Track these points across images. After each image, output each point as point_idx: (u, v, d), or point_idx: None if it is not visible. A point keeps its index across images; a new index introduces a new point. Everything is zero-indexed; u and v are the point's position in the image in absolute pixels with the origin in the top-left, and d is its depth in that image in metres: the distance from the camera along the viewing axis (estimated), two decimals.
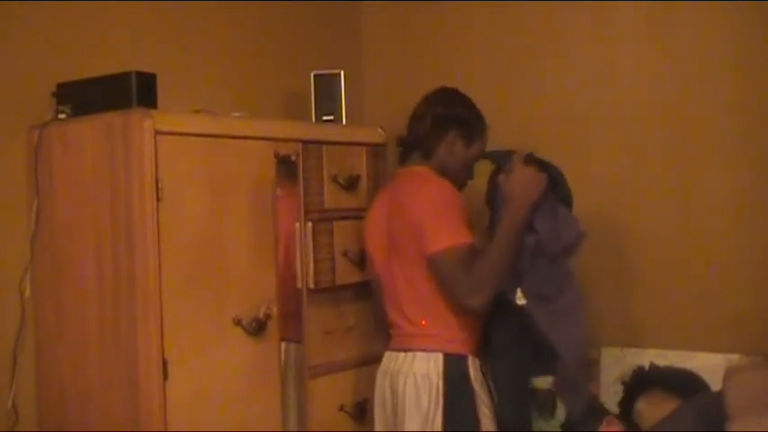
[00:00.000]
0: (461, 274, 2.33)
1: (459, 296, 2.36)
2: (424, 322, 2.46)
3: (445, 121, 2.55)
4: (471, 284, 2.32)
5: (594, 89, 3.10)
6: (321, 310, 2.71)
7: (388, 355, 2.55)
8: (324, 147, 2.72)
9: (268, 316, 2.51)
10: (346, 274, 2.74)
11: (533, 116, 3.22)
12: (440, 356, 2.40)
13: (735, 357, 2.73)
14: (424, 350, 2.43)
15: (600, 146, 3.09)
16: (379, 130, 2.93)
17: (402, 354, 2.48)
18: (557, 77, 3.18)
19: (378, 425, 2.58)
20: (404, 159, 2.66)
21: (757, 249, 2.80)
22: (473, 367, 2.43)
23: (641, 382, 2.87)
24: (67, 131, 2.43)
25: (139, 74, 2.35)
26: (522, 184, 2.40)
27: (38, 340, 2.49)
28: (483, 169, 2.67)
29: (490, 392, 2.49)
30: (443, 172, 2.54)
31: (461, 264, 2.33)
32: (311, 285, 2.64)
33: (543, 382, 2.66)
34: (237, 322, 2.45)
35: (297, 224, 2.65)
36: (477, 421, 2.39)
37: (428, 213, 2.40)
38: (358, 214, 2.77)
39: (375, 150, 2.90)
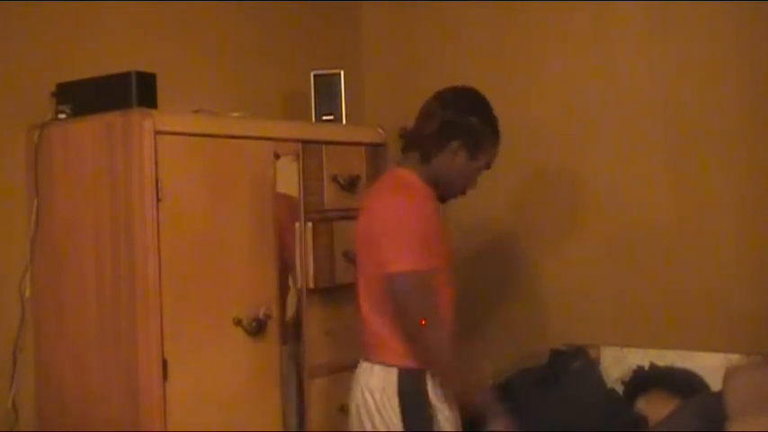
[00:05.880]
0: (415, 302, 2.22)
1: (408, 324, 2.24)
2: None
3: (453, 129, 2.29)
4: (421, 315, 2.23)
5: (595, 88, 3.10)
6: (321, 310, 2.71)
7: (360, 361, 2.41)
8: (324, 147, 2.72)
9: (268, 316, 2.52)
10: (346, 274, 2.73)
11: (533, 116, 3.22)
12: (394, 371, 2.28)
13: (735, 357, 2.73)
14: (382, 363, 2.30)
15: (600, 145, 3.09)
16: (379, 129, 2.93)
17: (364, 363, 2.36)
18: (557, 77, 3.18)
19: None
20: (403, 155, 2.45)
21: (757, 249, 2.80)
22: (432, 381, 2.29)
23: (641, 382, 2.87)
24: (67, 131, 2.43)
25: (139, 74, 2.35)
26: None
27: (38, 340, 2.49)
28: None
29: (453, 407, 2.34)
30: (435, 179, 2.32)
31: (417, 292, 2.21)
32: (311, 285, 2.64)
33: None
34: (237, 322, 2.45)
35: (297, 224, 2.65)
36: None
37: (391, 229, 2.24)
38: (358, 214, 2.76)
39: (375, 150, 2.89)
